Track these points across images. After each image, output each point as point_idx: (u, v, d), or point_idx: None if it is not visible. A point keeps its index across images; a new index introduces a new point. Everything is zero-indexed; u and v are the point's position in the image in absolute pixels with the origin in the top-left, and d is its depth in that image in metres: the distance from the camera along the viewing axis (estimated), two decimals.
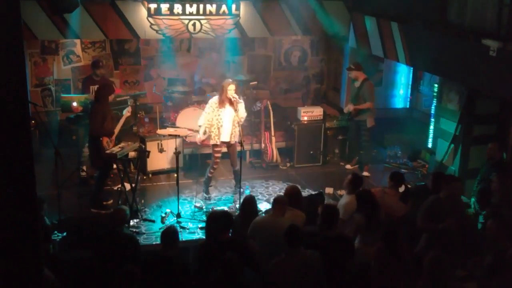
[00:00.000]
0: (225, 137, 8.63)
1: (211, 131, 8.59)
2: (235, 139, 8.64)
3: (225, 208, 8.35)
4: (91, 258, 5.88)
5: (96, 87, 9.81)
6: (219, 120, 8.53)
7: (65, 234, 7.04)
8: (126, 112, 8.75)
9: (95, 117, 8.20)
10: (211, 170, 8.85)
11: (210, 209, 8.36)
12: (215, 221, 5.93)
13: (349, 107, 9.97)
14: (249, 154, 10.45)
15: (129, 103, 8.96)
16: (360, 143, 10.10)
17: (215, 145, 8.66)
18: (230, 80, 8.72)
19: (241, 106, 8.62)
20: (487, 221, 6.04)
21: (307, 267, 5.28)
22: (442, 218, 6.33)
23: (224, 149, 8.82)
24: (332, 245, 5.53)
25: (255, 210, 6.81)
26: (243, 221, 6.52)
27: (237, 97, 8.55)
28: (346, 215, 6.54)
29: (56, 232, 7.19)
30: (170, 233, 5.76)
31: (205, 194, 8.87)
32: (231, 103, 8.51)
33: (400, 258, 5.57)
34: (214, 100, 8.65)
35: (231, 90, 8.48)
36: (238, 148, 8.64)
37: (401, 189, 7.14)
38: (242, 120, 8.70)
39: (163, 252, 5.65)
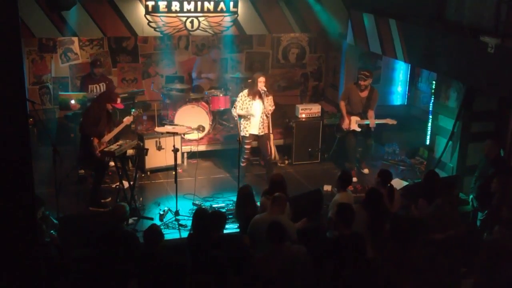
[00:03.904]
0: (254, 130, 8.99)
1: (240, 123, 8.96)
2: (264, 131, 9.04)
3: (223, 205, 8.45)
4: (91, 256, 5.88)
5: (95, 86, 9.84)
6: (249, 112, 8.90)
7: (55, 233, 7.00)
8: (126, 120, 8.70)
9: (88, 116, 8.19)
10: (243, 160, 9.09)
11: (209, 207, 8.36)
12: (210, 219, 5.99)
13: (371, 123, 9.45)
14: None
15: (132, 113, 8.92)
16: (368, 150, 9.97)
17: (244, 137, 8.97)
18: (261, 73, 9.14)
19: (270, 99, 8.98)
20: (495, 228, 6.02)
21: (292, 262, 5.28)
22: (443, 224, 6.37)
23: (254, 143, 9.27)
24: (348, 243, 5.54)
25: (252, 199, 6.83)
26: (240, 211, 6.57)
27: (265, 90, 8.82)
28: None
29: (52, 231, 7.17)
30: (153, 232, 5.75)
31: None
32: (260, 96, 8.83)
33: (411, 256, 5.57)
34: (244, 93, 9.01)
35: (261, 82, 8.80)
36: (270, 139, 9.21)
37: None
38: (269, 112, 9.01)
39: (147, 249, 5.65)
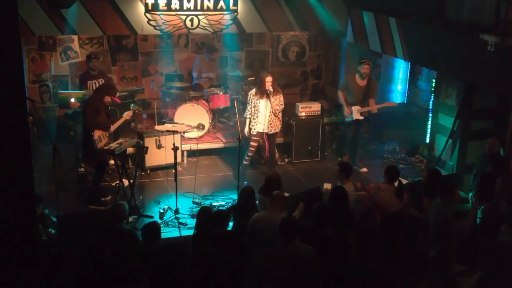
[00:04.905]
0: (262, 128, 9.03)
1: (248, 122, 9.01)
2: (275, 129, 9.07)
3: (223, 203, 8.46)
4: (90, 255, 5.87)
5: (94, 82, 9.84)
6: (255, 111, 8.94)
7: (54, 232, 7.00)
8: (125, 115, 8.69)
9: (87, 109, 8.19)
10: (246, 158, 9.12)
11: (209, 205, 8.36)
12: (214, 217, 6.01)
13: (373, 108, 9.74)
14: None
15: (131, 108, 8.91)
16: (360, 139, 10.12)
17: (252, 135, 9.03)
18: (267, 72, 9.13)
19: (279, 98, 8.98)
20: (502, 228, 6.01)
21: (300, 260, 5.28)
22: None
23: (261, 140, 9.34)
24: (327, 244, 5.55)
25: (254, 201, 6.85)
26: (241, 212, 6.58)
27: (272, 89, 8.81)
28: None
29: (51, 229, 7.18)
30: (152, 228, 5.76)
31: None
32: (267, 95, 8.86)
33: (399, 255, 5.58)
34: (252, 92, 9.05)
35: (268, 82, 8.81)
36: (278, 140, 9.29)
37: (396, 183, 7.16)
38: (277, 111, 9.01)
39: (146, 246, 5.66)
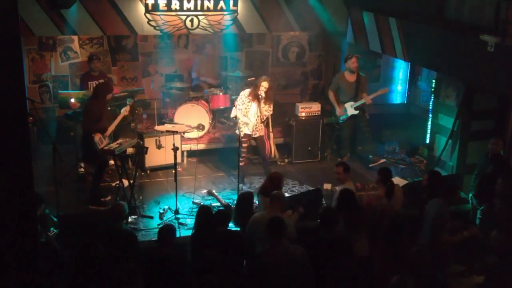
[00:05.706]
0: (248, 130, 8.96)
1: (238, 122, 8.92)
2: (259, 133, 8.99)
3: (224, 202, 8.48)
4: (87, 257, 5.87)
5: (95, 83, 9.84)
6: (246, 113, 8.87)
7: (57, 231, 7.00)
8: (124, 111, 8.69)
9: (90, 114, 8.18)
10: (240, 159, 9.05)
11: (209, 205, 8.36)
12: (215, 217, 6.03)
13: (366, 100, 9.77)
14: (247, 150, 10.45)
15: (128, 103, 8.90)
16: (364, 134, 10.13)
17: (240, 136, 8.94)
18: (266, 77, 8.99)
19: (269, 105, 8.90)
20: (493, 232, 6.01)
21: (289, 260, 5.29)
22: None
23: (253, 142, 9.26)
24: (331, 246, 5.55)
25: (251, 206, 6.86)
26: (239, 216, 6.60)
27: (263, 95, 8.75)
28: None
29: (53, 229, 7.18)
30: (167, 231, 5.78)
31: (240, 185, 8.89)
32: (258, 99, 8.75)
33: (402, 257, 5.57)
34: (244, 93, 8.96)
35: (263, 87, 8.73)
36: (270, 138, 9.16)
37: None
38: (264, 117, 8.93)
39: (160, 249, 5.67)
